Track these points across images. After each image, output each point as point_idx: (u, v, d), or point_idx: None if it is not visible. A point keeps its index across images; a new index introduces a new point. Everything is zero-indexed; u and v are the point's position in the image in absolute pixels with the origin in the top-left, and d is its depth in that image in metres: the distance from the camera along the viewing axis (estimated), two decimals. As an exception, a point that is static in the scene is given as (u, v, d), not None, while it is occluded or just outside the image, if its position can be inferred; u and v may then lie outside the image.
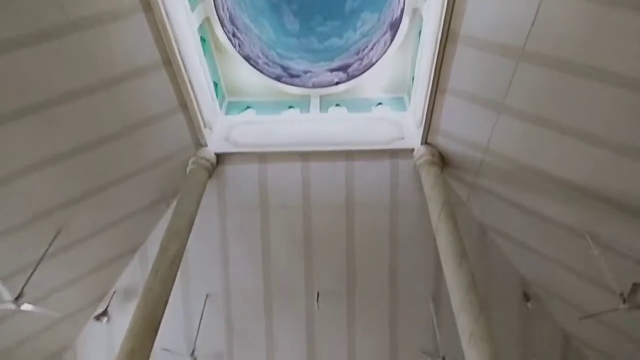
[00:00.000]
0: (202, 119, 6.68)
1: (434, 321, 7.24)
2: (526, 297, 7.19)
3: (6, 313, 6.36)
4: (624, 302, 4.90)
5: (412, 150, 6.75)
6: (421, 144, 6.66)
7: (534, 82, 4.90)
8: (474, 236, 6.99)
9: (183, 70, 5.91)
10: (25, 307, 5.56)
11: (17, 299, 5.44)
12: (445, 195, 5.86)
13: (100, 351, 8.06)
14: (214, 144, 7.01)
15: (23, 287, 5.59)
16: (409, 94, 8.11)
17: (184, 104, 6.27)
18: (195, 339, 7.28)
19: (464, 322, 4.66)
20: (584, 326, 6.44)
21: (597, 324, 6.20)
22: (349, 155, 6.92)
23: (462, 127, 6.15)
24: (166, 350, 6.86)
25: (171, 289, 5.30)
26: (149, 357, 4.73)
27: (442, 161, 6.52)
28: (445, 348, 6.92)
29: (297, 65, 9.01)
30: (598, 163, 5.00)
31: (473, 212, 6.98)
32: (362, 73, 8.45)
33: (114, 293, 7.65)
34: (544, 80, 4.78)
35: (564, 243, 6.15)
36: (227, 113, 8.31)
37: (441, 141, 6.51)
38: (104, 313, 7.35)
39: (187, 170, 6.62)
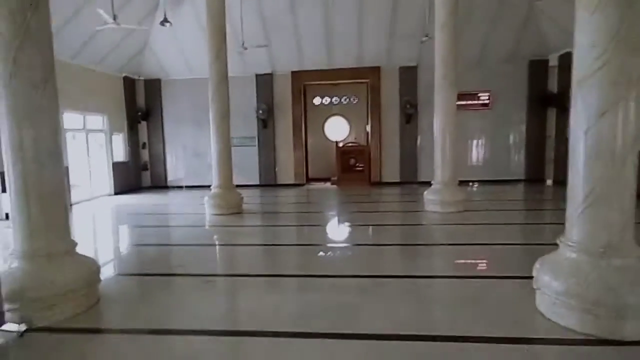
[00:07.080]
0: None
1: (427, 7, 9.00)
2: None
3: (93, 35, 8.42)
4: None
5: None
6: None
7: None
8: None
9: None
10: (123, 25, 7.59)
11: (114, 19, 7.38)
12: None
13: (170, 49, 10.65)
14: None
15: (113, 11, 7.40)
16: None
17: None
18: (241, 34, 9.53)
19: (440, 13, 6.60)
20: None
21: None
22: None
23: None
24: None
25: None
26: (226, 54, 7.20)
27: None
28: (430, 29, 9.03)
29: None
30: None
31: None
32: None
33: (165, -2, 9.33)
34: None
35: None
36: None
37: None
38: (165, 20, 9.29)
39: None
